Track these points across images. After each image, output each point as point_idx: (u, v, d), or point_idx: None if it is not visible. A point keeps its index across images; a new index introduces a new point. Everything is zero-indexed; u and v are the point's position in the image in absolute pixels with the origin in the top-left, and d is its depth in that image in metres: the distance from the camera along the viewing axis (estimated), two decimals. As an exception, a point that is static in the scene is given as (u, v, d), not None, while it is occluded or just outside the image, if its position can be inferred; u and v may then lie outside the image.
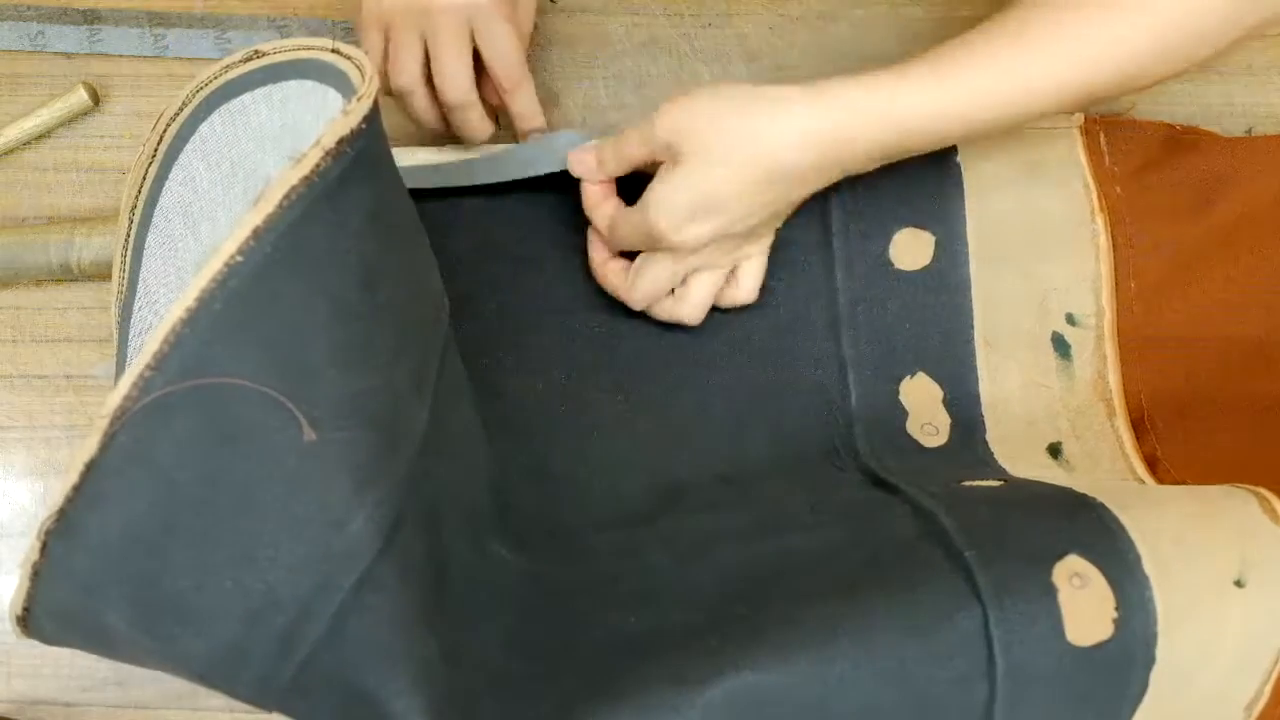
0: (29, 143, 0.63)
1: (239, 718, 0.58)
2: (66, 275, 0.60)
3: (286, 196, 0.38)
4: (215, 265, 0.37)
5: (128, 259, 0.54)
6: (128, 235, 0.55)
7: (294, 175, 0.38)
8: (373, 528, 0.39)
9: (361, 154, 0.40)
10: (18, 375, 0.61)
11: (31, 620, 0.39)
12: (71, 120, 0.63)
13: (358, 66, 0.44)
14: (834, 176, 0.54)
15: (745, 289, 0.58)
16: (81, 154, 0.63)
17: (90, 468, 0.36)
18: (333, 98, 0.46)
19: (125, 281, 0.54)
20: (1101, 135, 0.62)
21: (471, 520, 0.48)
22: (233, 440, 0.37)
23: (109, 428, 0.36)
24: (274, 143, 0.49)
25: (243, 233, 0.37)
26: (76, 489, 0.36)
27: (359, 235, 0.40)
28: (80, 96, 0.62)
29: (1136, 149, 0.61)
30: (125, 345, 0.52)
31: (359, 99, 0.41)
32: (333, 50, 0.46)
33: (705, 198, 0.52)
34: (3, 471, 0.60)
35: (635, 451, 0.57)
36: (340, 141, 0.39)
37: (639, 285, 0.57)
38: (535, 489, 0.55)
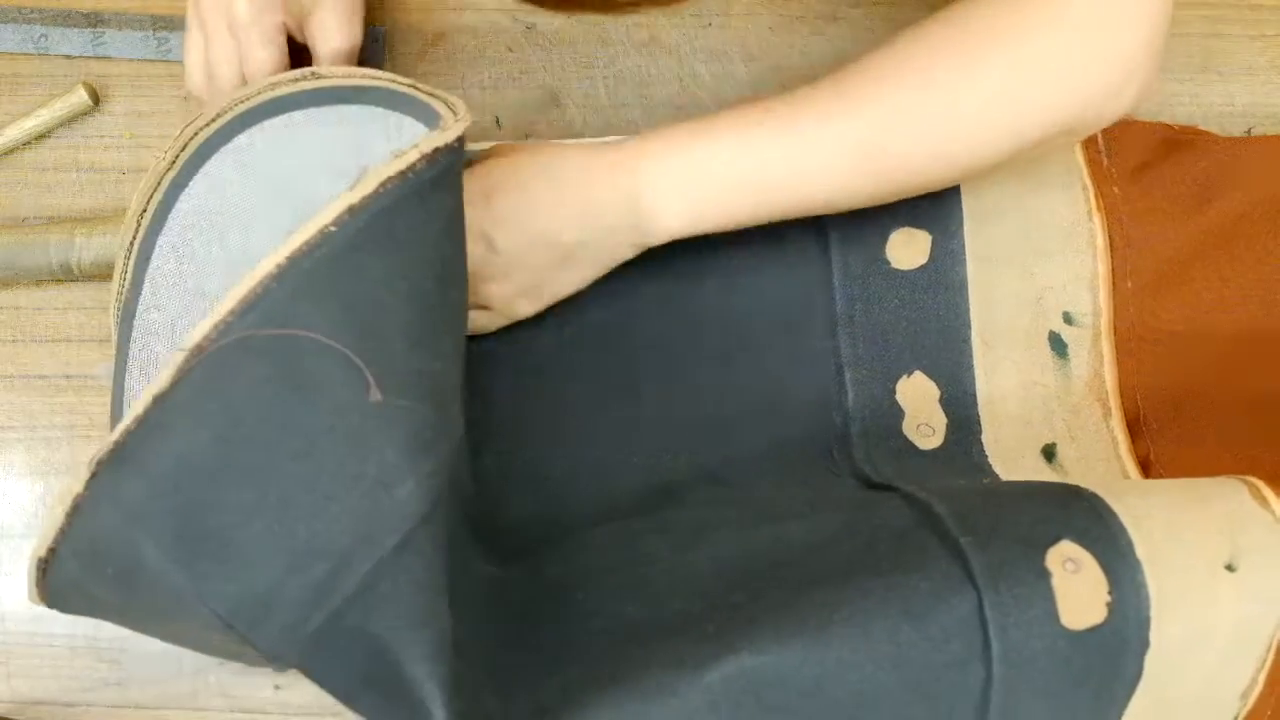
0: (29, 143, 0.63)
1: (239, 718, 0.58)
2: (66, 275, 0.60)
3: (383, 184, 0.41)
4: (310, 230, 0.40)
5: (131, 261, 0.54)
6: (134, 238, 0.55)
7: (393, 168, 0.42)
8: (420, 495, 0.40)
9: (449, 168, 0.44)
10: (18, 375, 0.61)
11: (55, 562, 0.40)
12: (71, 120, 0.63)
13: (448, 104, 0.48)
14: (631, 240, 0.54)
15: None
16: (81, 154, 0.63)
17: (159, 399, 0.38)
18: (408, 124, 0.49)
19: (128, 283, 0.54)
20: (1099, 136, 0.62)
21: (459, 538, 0.48)
22: (303, 389, 0.39)
23: (185, 363, 0.38)
24: (327, 160, 0.50)
25: (339, 206, 0.41)
26: (139, 420, 0.38)
27: (439, 237, 0.44)
28: (80, 96, 0.62)
29: (1134, 149, 0.62)
30: (126, 346, 0.52)
31: (458, 120, 0.45)
32: (413, 86, 0.49)
33: (501, 255, 0.53)
34: (3, 471, 0.61)
35: (631, 452, 0.58)
36: (436, 150, 0.43)
37: None
38: (532, 491, 0.56)
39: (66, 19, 0.64)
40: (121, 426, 0.38)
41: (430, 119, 0.48)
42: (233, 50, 0.54)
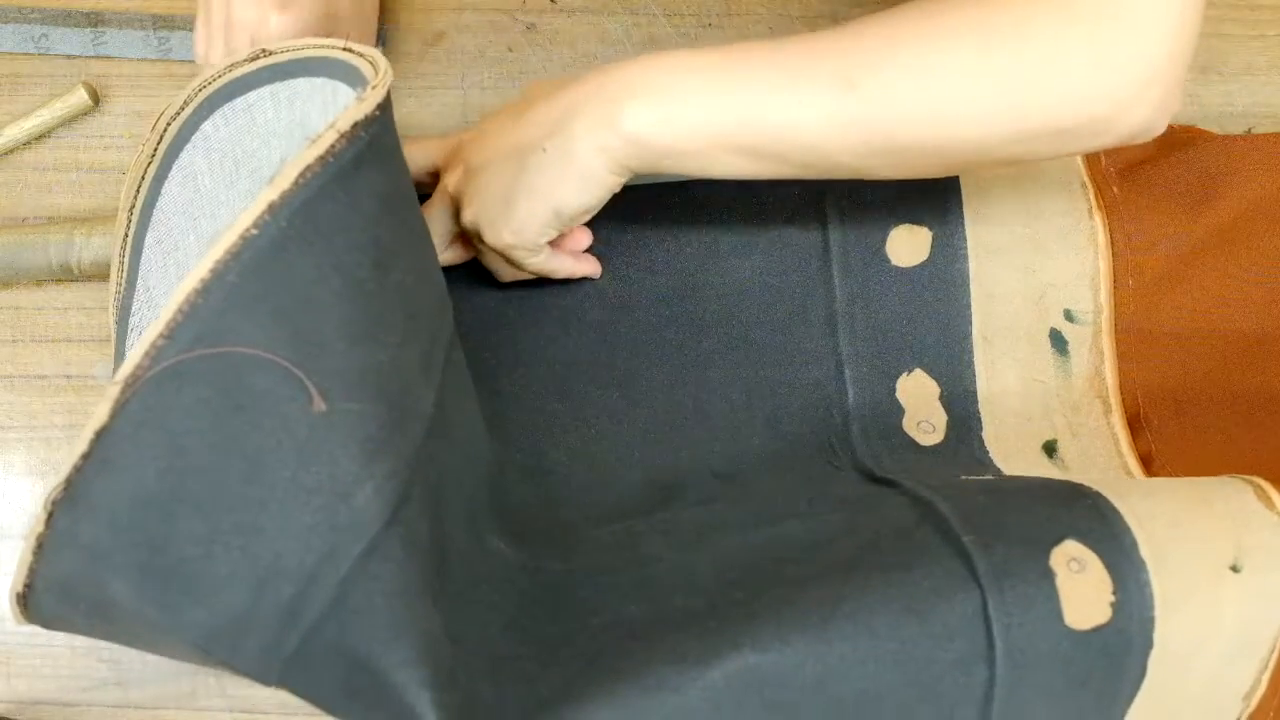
0: (29, 143, 0.63)
1: (239, 718, 0.58)
2: (66, 275, 0.60)
3: (302, 175, 0.39)
4: (230, 238, 0.37)
5: (126, 258, 0.55)
6: (126, 234, 0.55)
7: (309, 155, 0.39)
8: (380, 500, 0.39)
9: (375, 140, 0.41)
10: (18, 375, 0.61)
11: (32, 596, 0.39)
12: (71, 120, 0.63)
13: (371, 61, 0.45)
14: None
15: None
16: (81, 154, 0.63)
17: (100, 434, 0.36)
18: (343, 92, 0.46)
19: (123, 280, 0.54)
20: (1098, 135, 0.62)
21: (471, 512, 0.48)
22: (243, 408, 0.37)
23: (120, 395, 0.36)
24: (281, 139, 0.49)
25: (258, 207, 0.38)
26: (85, 456, 0.36)
27: (371, 217, 0.41)
28: (80, 96, 0.63)
29: (1132, 148, 0.61)
30: (123, 343, 0.52)
31: (374, 87, 0.42)
32: (345, 49, 0.47)
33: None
34: (3, 471, 0.61)
35: (632, 448, 0.58)
36: (355, 125, 0.40)
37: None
38: (533, 485, 0.55)
39: (66, 19, 0.64)
40: (69, 464, 0.37)
41: (358, 82, 0.45)
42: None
